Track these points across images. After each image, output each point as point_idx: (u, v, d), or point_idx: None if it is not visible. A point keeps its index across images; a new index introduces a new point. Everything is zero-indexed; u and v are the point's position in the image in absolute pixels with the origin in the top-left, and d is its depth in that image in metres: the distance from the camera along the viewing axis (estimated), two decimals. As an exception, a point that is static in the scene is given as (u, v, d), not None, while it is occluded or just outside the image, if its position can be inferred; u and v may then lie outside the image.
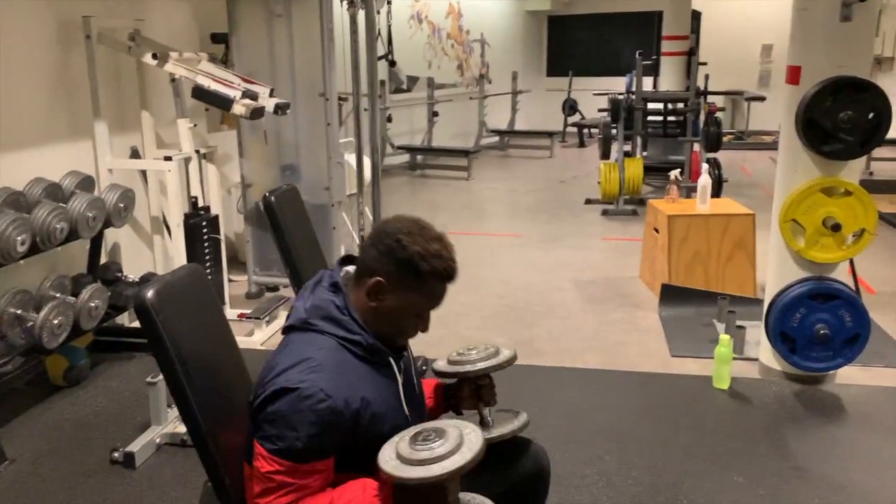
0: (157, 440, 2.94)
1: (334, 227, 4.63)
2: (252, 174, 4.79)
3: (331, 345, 1.48)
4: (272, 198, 2.63)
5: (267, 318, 4.10)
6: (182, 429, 2.95)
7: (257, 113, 3.82)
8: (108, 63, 4.05)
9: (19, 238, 2.97)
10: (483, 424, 1.69)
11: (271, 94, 4.06)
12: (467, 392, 1.77)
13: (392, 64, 6.48)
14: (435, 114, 10.16)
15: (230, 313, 4.30)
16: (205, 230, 4.11)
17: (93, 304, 3.27)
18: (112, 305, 3.52)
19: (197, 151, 4.14)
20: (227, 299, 4.42)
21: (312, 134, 4.61)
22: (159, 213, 4.32)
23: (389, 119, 9.08)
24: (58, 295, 3.28)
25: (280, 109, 4.03)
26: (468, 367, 1.71)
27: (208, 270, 4.19)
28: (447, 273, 1.51)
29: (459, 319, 4.43)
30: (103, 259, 3.88)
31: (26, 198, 3.29)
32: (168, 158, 3.88)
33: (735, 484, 2.71)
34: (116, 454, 2.82)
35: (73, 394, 3.41)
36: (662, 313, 4.45)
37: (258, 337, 4.05)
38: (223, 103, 3.78)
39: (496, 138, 11.90)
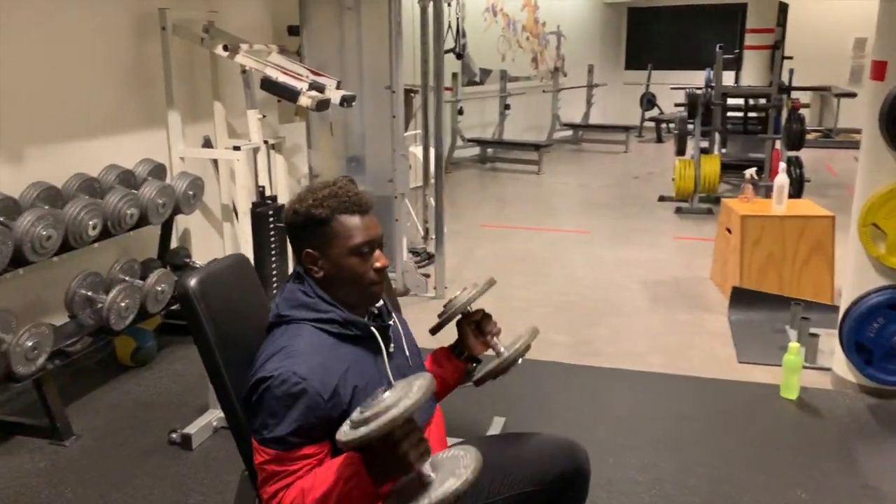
0: (214, 423, 3.01)
1: (397, 219, 4.64)
2: (319, 165, 4.84)
3: (306, 330, 1.51)
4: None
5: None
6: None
7: (323, 105, 3.85)
8: (182, 54, 4.17)
9: (91, 222, 3.08)
10: (497, 354, 1.76)
11: (338, 87, 4.10)
12: (469, 332, 1.80)
13: (459, 56, 6.45)
14: (507, 107, 10.08)
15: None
16: (271, 219, 4.18)
17: (159, 289, 3.38)
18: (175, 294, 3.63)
19: (265, 142, 4.21)
20: (290, 287, 4.49)
21: (378, 126, 4.63)
22: (229, 202, 4.42)
23: (460, 112, 9.06)
24: (127, 278, 3.40)
25: (346, 101, 4.05)
26: (455, 304, 1.76)
27: (273, 258, 4.25)
28: (346, 205, 1.54)
29: (517, 316, 4.37)
30: (174, 244, 4.01)
31: (100, 184, 3.42)
32: (237, 148, 3.97)
33: (798, 500, 2.58)
34: (174, 435, 2.90)
35: (139, 375, 3.54)
36: (732, 317, 4.28)
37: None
38: (290, 95, 3.83)
39: (569, 132, 11.73)
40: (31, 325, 2.75)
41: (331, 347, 1.50)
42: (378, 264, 1.58)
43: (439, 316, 1.80)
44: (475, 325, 1.81)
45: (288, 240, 1.60)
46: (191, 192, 3.72)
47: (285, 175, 4.42)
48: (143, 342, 3.60)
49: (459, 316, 1.80)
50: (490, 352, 1.83)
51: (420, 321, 4.19)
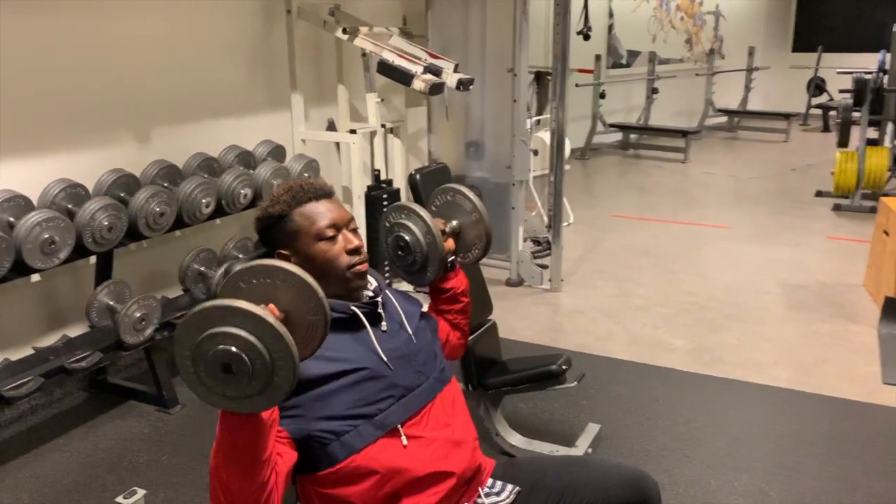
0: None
1: (513, 206, 4.51)
2: (439, 150, 4.80)
3: None
4: (418, 175, 2.57)
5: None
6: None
7: (436, 89, 3.78)
8: (310, 38, 4.24)
9: (204, 200, 3.20)
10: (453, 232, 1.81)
11: (456, 70, 4.01)
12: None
13: (586, 38, 6.16)
14: (654, 90, 9.58)
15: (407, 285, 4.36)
16: (385, 203, 4.19)
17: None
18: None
19: (383, 126, 4.21)
20: (404, 271, 4.48)
21: (499, 111, 4.51)
22: (350, 184, 4.48)
23: (602, 95, 8.70)
24: (240, 255, 3.51)
25: (463, 85, 3.96)
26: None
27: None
28: (302, 195, 1.52)
29: (636, 315, 4.12)
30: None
31: (219, 163, 3.54)
32: (352, 132, 3.99)
33: (932, 552, 2.23)
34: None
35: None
36: (882, 331, 3.81)
37: (426, 312, 4.06)
38: (404, 78, 3.79)
39: (724, 119, 10.99)
40: (140, 297, 2.89)
41: None
42: (350, 245, 1.52)
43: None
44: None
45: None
46: (306, 174, 3.78)
47: (403, 159, 4.41)
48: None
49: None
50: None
51: (532, 314, 4.12)
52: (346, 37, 3.93)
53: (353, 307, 1.50)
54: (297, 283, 1.21)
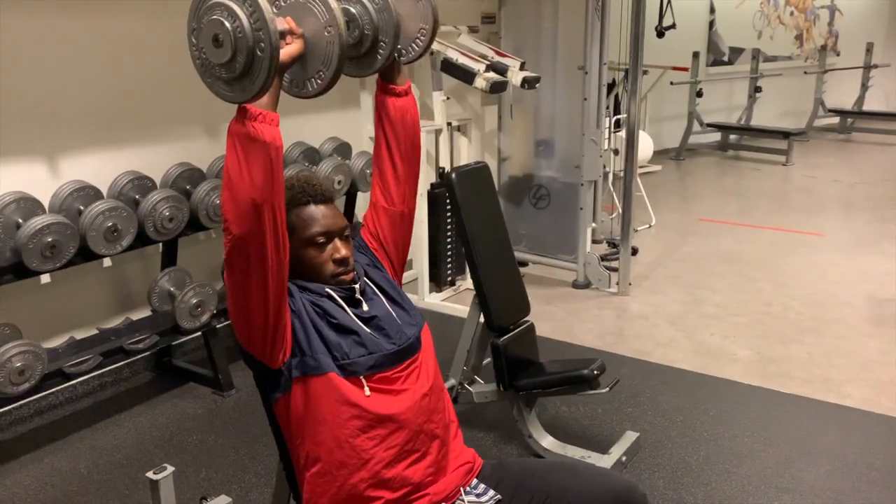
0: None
1: (581, 207, 4.43)
2: (509, 148, 4.78)
3: None
4: (453, 175, 2.58)
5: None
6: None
7: (497, 87, 3.78)
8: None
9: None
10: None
11: (522, 68, 3.99)
12: None
13: (660, 35, 5.94)
14: (758, 89, 9.13)
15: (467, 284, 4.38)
16: (448, 200, 4.21)
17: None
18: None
19: (449, 124, 4.24)
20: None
21: (570, 109, 4.44)
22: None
23: (699, 94, 8.39)
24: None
25: (528, 83, 3.94)
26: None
27: (449, 239, 4.29)
28: (299, 196, 1.54)
29: (706, 323, 3.97)
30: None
31: (283, 159, 3.68)
32: (416, 129, 4.03)
33: None
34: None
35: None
36: (976, 353, 3.50)
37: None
38: (465, 77, 3.81)
39: (835, 120, 10.34)
40: (197, 285, 3.04)
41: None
42: (337, 255, 1.55)
43: None
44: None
45: None
46: (368, 171, 3.86)
47: (468, 157, 4.42)
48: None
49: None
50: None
51: (594, 318, 4.05)
52: (412, 36, 3.97)
53: (328, 289, 1.55)
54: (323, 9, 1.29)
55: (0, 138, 2.82)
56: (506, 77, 3.93)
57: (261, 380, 1.54)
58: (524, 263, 4.91)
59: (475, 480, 1.64)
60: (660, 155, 8.35)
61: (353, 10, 1.50)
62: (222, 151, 3.46)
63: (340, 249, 1.56)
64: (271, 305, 1.40)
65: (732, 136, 9.18)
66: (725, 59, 9.25)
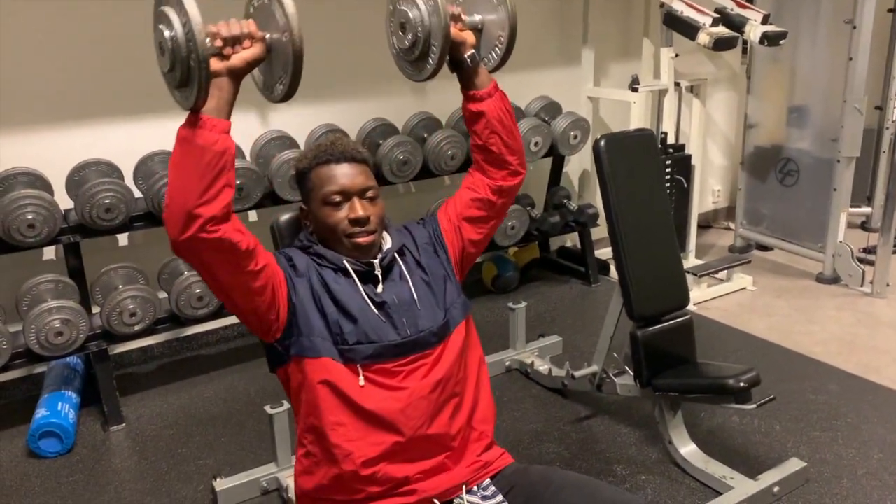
0: (507, 363, 3.05)
1: (835, 188, 3.73)
2: (757, 113, 4.17)
3: (296, 252, 1.55)
4: (602, 141, 2.32)
5: (705, 276, 3.64)
6: (529, 360, 2.99)
7: (723, 44, 3.30)
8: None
9: (450, 152, 3.33)
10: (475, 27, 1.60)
11: (765, 21, 3.42)
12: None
13: None
14: None
15: (687, 263, 3.97)
16: (668, 169, 3.82)
17: (510, 224, 3.49)
18: (538, 230, 3.69)
19: (677, 84, 3.82)
20: (691, 247, 4.06)
21: (833, 71, 3.73)
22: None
23: None
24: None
25: (768, 40, 3.37)
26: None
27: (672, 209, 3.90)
28: (324, 155, 1.51)
29: None
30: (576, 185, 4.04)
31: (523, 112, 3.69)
32: (634, 90, 3.71)
33: None
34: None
35: (491, 301, 3.74)
36: None
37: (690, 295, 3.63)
38: (688, 31, 3.39)
39: None
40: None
41: (313, 266, 1.51)
42: (352, 215, 1.47)
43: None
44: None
45: None
46: (572, 133, 3.65)
47: (700, 122, 3.95)
48: (503, 271, 3.80)
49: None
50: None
51: (825, 319, 3.50)
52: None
53: (345, 261, 1.48)
54: (281, 13, 1.26)
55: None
56: (742, 32, 3.41)
57: (262, 344, 1.54)
58: (766, 248, 4.32)
59: (487, 480, 1.50)
60: None
61: (409, 13, 1.47)
62: (419, 109, 3.53)
63: (357, 209, 1.48)
64: (246, 307, 1.40)
65: None
66: None
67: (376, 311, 1.45)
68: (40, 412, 2.62)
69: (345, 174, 1.50)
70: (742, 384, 2.13)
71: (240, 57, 1.26)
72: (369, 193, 1.51)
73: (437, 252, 1.60)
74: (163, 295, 2.92)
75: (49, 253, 2.94)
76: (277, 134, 3.17)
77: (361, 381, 1.41)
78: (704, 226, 4.68)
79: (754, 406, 2.15)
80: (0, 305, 2.70)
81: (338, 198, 1.49)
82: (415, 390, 1.44)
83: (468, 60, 1.53)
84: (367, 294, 1.47)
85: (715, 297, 3.75)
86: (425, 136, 3.39)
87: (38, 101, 2.84)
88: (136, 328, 2.75)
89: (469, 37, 1.54)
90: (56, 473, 2.51)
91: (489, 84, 1.56)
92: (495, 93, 1.57)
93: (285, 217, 1.70)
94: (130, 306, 2.72)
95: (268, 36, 1.29)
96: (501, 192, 1.62)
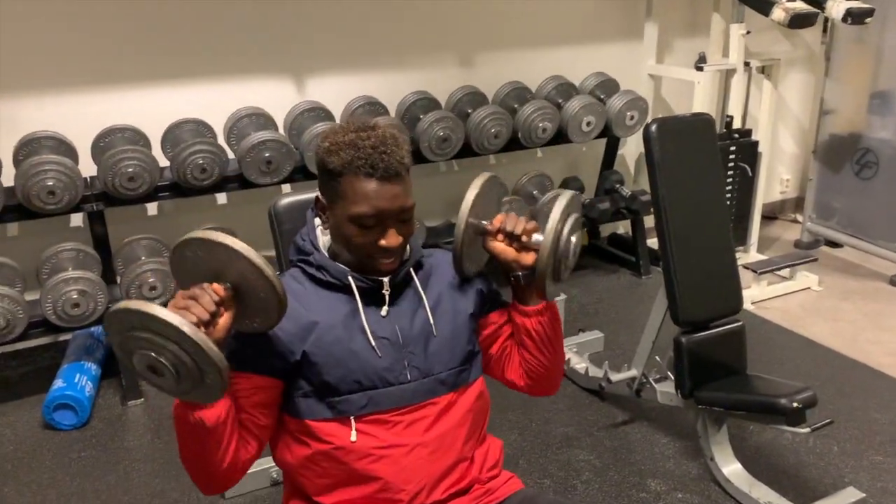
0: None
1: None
2: (835, 98, 3.83)
3: (294, 273, 1.33)
4: (653, 126, 2.10)
5: (765, 273, 3.35)
6: (566, 356, 2.80)
7: (800, 20, 3.01)
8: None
9: (493, 130, 3.14)
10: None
11: (850, -4, 3.10)
12: (500, 249, 1.31)
13: None
14: None
15: (747, 258, 3.70)
16: (731, 155, 3.54)
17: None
18: (586, 216, 3.47)
19: (747, 64, 3.52)
20: (753, 240, 3.78)
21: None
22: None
23: None
24: (535, 192, 3.40)
25: (852, 17, 3.06)
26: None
27: (731, 199, 3.62)
28: (360, 164, 1.19)
29: None
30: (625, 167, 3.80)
31: (532, 94, 3.42)
32: (699, 69, 3.43)
33: None
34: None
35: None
36: None
37: (748, 293, 3.37)
38: (762, 6, 3.09)
39: None
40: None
41: (311, 293, 1.29)
42: (383, 242, 1.23)
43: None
44: (505, 237, 1.30)
45: None
46: (629, 114, 3.40)
47: (770, 106, 3.64)
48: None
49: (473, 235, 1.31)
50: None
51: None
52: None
53: (350, 277, 1.28)
54: (244, 259, 1.10)
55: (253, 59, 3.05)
56: (823, 8, 3.10)
57: None
58: (836, 245, 4.00)
59: (483, 508, 1.34)
60: None
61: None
62: (467, 82, 3.34)
63: (391, 238, 1.24)
64: None
65: None
66: None
67: (375, 348, 1.26)
68: (57, 383, 2.57)
69: (383, 195, 1.21)
70: (796, 404, 1.90)
71: (221, 328, 1.13)
72: (403, 216, 1.26)
73: (466, 290, 1.38)
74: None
75: (77, 220, 2.88)
76: (312, 105, 3.02)
77: (353, 437, 1.25)
78: (769, 217, 4.36)
79: (808, 430, 1.93)
80: (21, 273, 2.65)
81: (371, 222, 1.23)
82: (407, 450, 1.26)
83: (521, 279, 1.32)
84: (367, 323, 1.27)
85: (775, 297, 3.47)
86: (469, 111, 3.20)
87: (70, 64, 2.77)
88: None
89: (523, 257, 1.30)
90: (69, 447, 2.45)
91: (535, 306, 1.34)
92: (545, 314, 1.35)
93: (284, 202, 1.53)
94: (151, 279, 2.63)
95: (227, 284, 1.13)
96: (507, 382, 1.44)
